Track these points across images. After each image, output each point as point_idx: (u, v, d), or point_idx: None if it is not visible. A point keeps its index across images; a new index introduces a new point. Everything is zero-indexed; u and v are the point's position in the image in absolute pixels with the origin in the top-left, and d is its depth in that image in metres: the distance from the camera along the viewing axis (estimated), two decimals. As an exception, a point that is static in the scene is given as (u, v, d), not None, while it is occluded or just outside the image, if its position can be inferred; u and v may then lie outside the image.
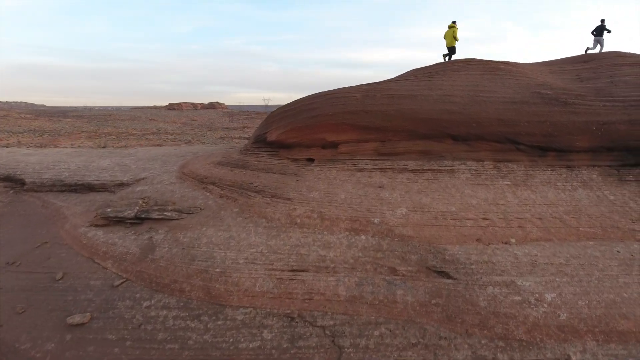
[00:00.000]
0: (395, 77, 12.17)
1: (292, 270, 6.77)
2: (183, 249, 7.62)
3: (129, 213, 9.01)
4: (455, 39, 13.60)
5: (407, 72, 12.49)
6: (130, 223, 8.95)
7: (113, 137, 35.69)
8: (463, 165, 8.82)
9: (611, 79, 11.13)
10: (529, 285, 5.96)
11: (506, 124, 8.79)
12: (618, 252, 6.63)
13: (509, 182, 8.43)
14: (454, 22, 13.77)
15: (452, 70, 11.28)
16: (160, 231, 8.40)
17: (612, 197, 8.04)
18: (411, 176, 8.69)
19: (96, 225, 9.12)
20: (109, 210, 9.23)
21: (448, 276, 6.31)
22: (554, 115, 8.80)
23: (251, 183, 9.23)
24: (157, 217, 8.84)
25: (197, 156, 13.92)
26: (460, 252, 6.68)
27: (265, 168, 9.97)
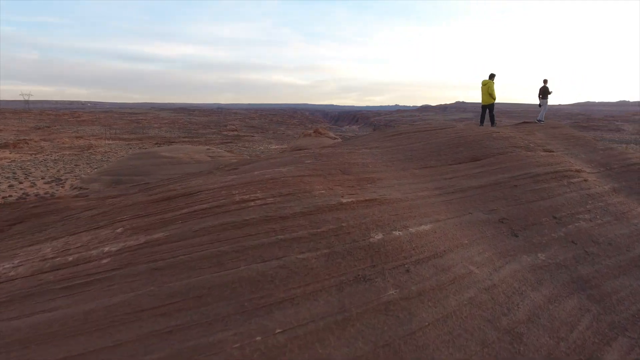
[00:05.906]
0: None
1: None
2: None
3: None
4: (492, 96, 11.54)
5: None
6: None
7: None
8: None
9: (556, 220, 6.49)
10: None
11: None
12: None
13: None
14: (492, 75, 11.71)
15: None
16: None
17: None
18: None
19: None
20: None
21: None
22: None
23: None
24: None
25: None
26: None
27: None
